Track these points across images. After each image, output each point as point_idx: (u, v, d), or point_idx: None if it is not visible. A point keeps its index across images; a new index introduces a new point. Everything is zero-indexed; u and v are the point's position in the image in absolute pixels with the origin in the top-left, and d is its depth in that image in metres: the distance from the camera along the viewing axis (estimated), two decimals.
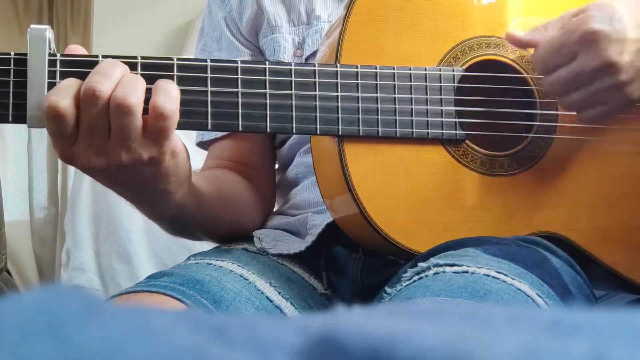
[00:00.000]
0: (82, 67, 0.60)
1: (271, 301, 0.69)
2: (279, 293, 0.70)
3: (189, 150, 0.67)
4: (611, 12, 0.64)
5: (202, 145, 0.93)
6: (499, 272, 0.58)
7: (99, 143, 0.58)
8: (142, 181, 0.63)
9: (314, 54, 0.84)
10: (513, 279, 0.58)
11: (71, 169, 2.83)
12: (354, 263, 0.75)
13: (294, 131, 0.65)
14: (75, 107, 0.57)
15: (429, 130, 0.68)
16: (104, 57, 0.61)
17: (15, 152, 2.95)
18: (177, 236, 0.82)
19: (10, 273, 2.59)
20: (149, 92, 0.59)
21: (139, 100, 0.58)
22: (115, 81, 0.58)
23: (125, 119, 0.57)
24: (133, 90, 0.57)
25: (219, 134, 0.89)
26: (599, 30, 0.63)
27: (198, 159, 0.83)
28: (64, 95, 0.57)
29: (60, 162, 2.96)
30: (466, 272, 0.58)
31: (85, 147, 0.58)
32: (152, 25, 3.04)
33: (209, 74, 0.63)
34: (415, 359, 0.20)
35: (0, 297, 0.23)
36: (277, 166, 0.95)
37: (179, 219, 0.73)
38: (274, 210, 0.94)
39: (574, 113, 0.70)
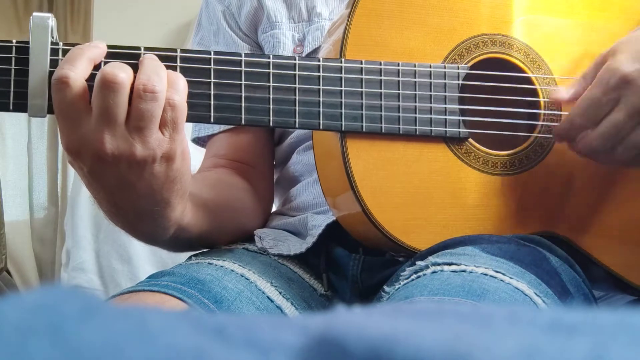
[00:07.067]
0: None
1: (272, 301, 0.69)
2: (280, 293, 0.70)
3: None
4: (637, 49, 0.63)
5: (198, 141, 0.92)
6: (496, 271, 0.58)
7: (113, 127, 0.57)
8: (147, 186, 0.60)
9: (314, 51, 0.83)
10: (511, 278, 0.58)
11: (71, 169, 2.82)
12: (354, 263, 0.75)
13: (297, 126, 0.65)
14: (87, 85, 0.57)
15: (432, 128, 0.68)
16: (108, 47, 0.61)
17: (15, 152, 2.95)
18: (181, 252, 0.82)
19: (10, 273, 2.59)
20: None
21: (164, 87, 0.58)
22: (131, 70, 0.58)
23: (149, 104, 0.57)
24: (158, 77, 0.57)
25: (216, 130, 0.89)
26: (630, 72, 0.62)
27: (197, 156, 0.82)
28: (74, 67, 0.57)
29: (60, 162, 2.95)
30: (464, 271, 0.58)
31: (96, 130, 0.57)
32: (152, 25, 3.04)
33: (212, 66, 0.63)
34: (415, 359, 0.20)
35: (0, 297, 0.23)
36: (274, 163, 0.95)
37: (178, 239, 0.71)
38: (274, 208, 0.94)
39: None
